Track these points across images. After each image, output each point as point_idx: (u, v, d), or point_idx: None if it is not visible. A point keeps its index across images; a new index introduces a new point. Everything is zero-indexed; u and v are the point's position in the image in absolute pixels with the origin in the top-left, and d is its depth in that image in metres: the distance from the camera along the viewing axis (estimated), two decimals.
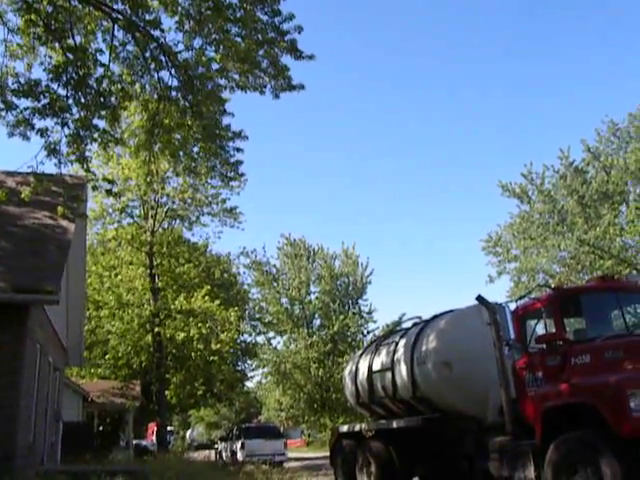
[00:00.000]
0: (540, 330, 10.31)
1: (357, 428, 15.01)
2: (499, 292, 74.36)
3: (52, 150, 12.19)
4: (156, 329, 32.19)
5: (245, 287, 45.15)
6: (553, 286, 12.53)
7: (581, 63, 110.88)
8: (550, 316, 10.14)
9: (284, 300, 52.71)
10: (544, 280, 32.04)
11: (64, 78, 11.82)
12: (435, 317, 13.43)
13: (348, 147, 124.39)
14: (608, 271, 26.27)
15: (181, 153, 14.68)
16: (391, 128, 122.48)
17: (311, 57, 12.85)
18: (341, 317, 50.73)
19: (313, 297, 53.28)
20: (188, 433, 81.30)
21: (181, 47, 12.73)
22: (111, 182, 15.45)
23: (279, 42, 12.56)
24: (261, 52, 12.77)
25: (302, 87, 13.32)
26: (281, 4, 12.23)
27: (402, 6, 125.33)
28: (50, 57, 12.15)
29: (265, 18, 12.34)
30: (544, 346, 9.99)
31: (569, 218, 32.09)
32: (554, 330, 9.95)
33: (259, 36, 12.50)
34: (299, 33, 12.52)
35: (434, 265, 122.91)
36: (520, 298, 11.59)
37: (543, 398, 9.46)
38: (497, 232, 35.88)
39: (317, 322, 53.84)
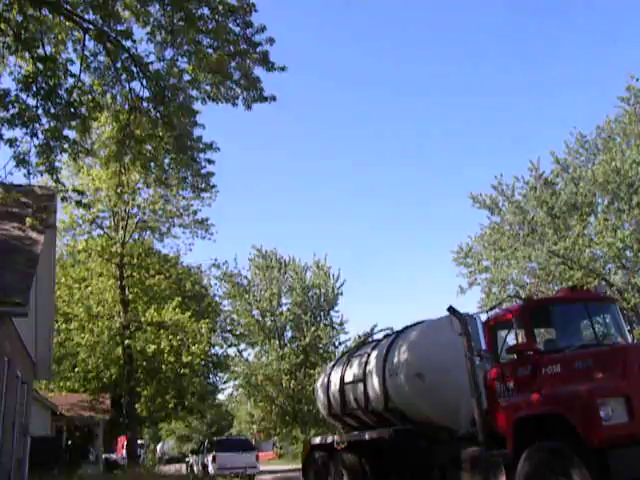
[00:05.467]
0: (511, 340, 10.37)
1: (329, 440, 14.95)
2: (470, 303, 74.94)
3: (21, 160, 12.03)
4: (126, 341, 31.91)
5: (216, 299, 44.79)
6: (523, 297, 12.65)
7: (550, 73, 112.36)
8: (521, 326, 10.23)
9: (255, 312, 52.46)
10: (514, 291, 32.20)
11: (34, 88, 11.69)
12: (406, 328, 13.44)
13: (334, 157, 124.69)
14: (577, 282, 26.48)
15: (152, 164, 14.59)
16: (358, 135, 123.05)
17: (283, 69, 12.91)
18: (313, 329, 50.58)
19: (284, 309, 53.09)
20: (159, 446, 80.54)
21: (153, 58, 12.73)
22: (81, 193, 15.29)
23: (251, 54, 12.59)
24: (233, 64, 12.79)
25: (274, 99, 13.35)
26: (253, 16, 12.30)
27: (379, 12, 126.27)
28: (20, 67, 12.06)
29: (237, 30, 12.40)
30: (515, 356, 10.07)
31: (539, 229, 32.32)
32: (525, 340, 10.03)
33: (231, 47, 12.52)
34: (271, 45, 12.60)
35: (406, 276, 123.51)
36: (491, 309, 11.67)
37: (514, 408, 9.50)
38: (468, 243, 35.99)
39: (289, 334, 53.64)
